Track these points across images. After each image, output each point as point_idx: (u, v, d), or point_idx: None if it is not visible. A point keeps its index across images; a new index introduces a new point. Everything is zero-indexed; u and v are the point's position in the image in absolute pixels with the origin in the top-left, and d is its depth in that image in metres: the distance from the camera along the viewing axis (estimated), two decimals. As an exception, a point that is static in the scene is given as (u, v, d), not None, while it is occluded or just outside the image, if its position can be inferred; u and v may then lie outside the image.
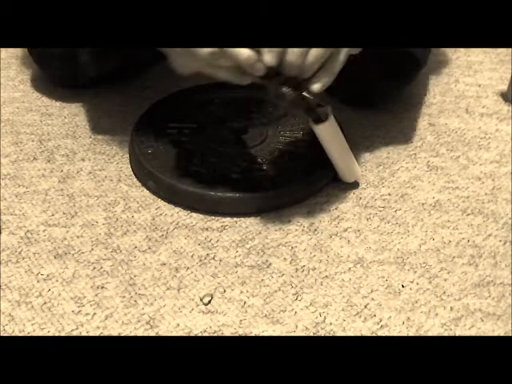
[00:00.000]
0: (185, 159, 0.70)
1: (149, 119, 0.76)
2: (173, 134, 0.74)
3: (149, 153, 0.70)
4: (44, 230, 0.64)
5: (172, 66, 0.60)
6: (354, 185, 0.70)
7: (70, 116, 0.80)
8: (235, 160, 0.70)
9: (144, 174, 0.69)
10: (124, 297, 0.58)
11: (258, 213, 0.66)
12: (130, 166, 0.72)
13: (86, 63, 0.79)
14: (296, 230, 0.65)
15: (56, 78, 0.84)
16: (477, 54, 0.94)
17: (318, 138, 0.66)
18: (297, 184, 0.68)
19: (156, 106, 0.78)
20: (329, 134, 0.66)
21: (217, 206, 0.66)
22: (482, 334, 0.56)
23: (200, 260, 0.62)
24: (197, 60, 0.57)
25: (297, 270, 0.61)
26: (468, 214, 0.67)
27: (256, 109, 0.77)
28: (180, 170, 0.68)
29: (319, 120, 0.64)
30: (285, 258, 0.62)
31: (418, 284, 0.60)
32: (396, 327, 0.56)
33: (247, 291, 0.59)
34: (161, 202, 0.68)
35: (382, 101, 0.82)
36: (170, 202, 0.68)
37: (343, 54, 0.59)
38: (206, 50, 0.55)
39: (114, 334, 0.55)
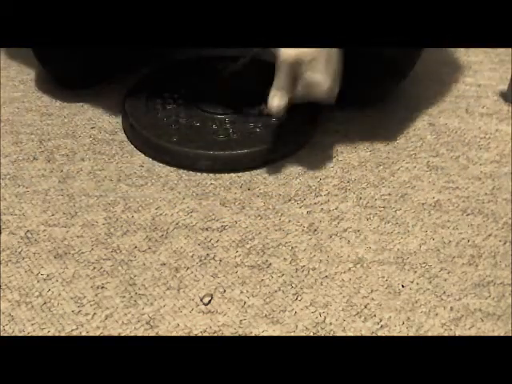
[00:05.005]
0: (174, 124, 0.75)
1: (139, 89, 0.80)
2: (164, 102, 0.78)
3: (142, 119, 0.75)
4: (44, 230, 0.64)
5: None
6: (354, 185, 0.70)
7: (70, 116, 0.80)
8: (224, 124, 0.75)
9: (140, 141, 0.74)
10: (124, 297, 0.58)
11: (252, 168, 0.71)
12: (129, 164, 0.72)
13: (86, 63, 0.79)
14: (296, 230, 0.65)
15: (58, 78, 0.83)
16: (477, 54, 0.94)
17: None
18: (286, 138, 0.73)
19: (146, 78, 0.83)
20: None
21: (213, 163, 0.71)
22: (481, 334, 0.56)
23: (200, 260, 0.62)
24: None
25: (297, 270, 0.61)
26: (468, 214, 0.67)
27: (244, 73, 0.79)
28: (171, 135, 0.73)
29: None
30: (285, 258, 0.62)
31: (417, 284, 0.60)
32: (396, 327, 0.56)
33: (247, 291, 0.59)
34: (161, 202, 0.68)
35: (382, 98, 0.81)
36: (167, 164, 0.72)
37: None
38: None
39: (114, 333, 0.55)
